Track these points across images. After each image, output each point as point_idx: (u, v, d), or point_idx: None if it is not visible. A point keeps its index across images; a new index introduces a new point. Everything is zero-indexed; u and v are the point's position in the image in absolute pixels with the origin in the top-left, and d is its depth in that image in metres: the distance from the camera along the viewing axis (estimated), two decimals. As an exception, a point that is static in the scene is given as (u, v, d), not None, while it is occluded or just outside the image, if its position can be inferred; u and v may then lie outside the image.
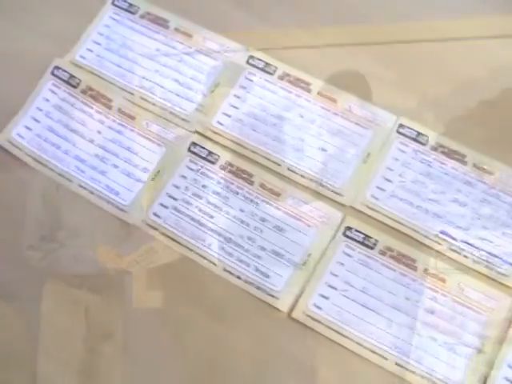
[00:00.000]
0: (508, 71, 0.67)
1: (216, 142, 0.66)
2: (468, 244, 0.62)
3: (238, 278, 0.61)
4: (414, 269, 0.61)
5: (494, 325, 0.60)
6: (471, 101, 0.66)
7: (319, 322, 0.60)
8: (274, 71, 0.68)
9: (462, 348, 0.59)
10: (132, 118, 0.67)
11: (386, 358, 0.59)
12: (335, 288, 0.61)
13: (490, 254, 0.62)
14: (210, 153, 0.65)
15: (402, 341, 0.59)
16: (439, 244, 0.62)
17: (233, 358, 0.59)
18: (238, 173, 0.65)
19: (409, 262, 0.62)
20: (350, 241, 0.62)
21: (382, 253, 0.62)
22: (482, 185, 0.64)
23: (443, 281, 0.61)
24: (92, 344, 0.60)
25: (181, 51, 0.69)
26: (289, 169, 0.65)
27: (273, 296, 0.61)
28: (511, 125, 0.65)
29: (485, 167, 0.64)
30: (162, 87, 0.68)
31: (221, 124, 0.67)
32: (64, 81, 0.69)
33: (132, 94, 0.68)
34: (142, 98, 0.67)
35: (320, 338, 0.60)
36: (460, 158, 0.65)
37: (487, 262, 0.61)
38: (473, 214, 0.63)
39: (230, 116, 0.67)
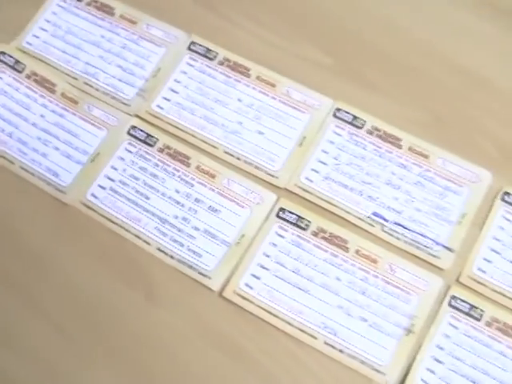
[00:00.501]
0: (447, 59, 0.68)
1: (155, 126, 0.67)
2: (400, 226, 0.62)
3: (172, 257, 0.62)
4: (346, 250, 0.62)
5: (424, 306, 0.60)
6: (408, 85, 0.67)
7: (250, 301, 0.60)
8: (215, 57, 0.69)
9: (391, 328, 0.59)
10: (75, 102, 0.68)
11: (315, 337, 0.59)
12: (267, 268, 0.61)
13: (422, 235, 0.62)
14: (149, 136, 0.66)
15: (332, 320, 0.60)
16: (372, 226, 0.62)
17: (166, 335, 0.59)
18: (175, 155, 0.65)
19: (341, 243, 0.62)
20: (283, 222, 0.63)
21: (315, 234, 0.62)
22: (417, 168, 0.64)
23: (375, 262, 0.61)
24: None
25: (125, 38, 0.70)
26: (225, 151, 0.65)
27: (205, 275, 0.61)
28: (448, 109, 0.66)
29: (420, 151, 0.65)
30: (105, 73, 0.69)
31: (161, 108, 0.67)
32: (9, 66, 0.70)
33: (76, 79, 0.69)
34: (85, 83, 0.68)
35: (250, 317, 0.60)
36: (395, 142, 0.65)
37: (419, 243, 0.62)
38: (406, 196, 0.63)
39: (169, 100, 0.68)
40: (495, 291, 0.61)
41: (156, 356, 0.59)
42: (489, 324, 0.60)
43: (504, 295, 0.61)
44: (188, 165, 0.65)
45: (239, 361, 0.59)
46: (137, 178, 0.65)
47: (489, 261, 0.62)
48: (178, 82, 0.69)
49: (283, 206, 0.63)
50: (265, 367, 0.59)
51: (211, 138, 0.66)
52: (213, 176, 0.65)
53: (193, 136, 0.66)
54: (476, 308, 0.61)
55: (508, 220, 0.63)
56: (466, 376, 0.58)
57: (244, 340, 0.59)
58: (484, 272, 0.61)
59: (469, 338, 0.60)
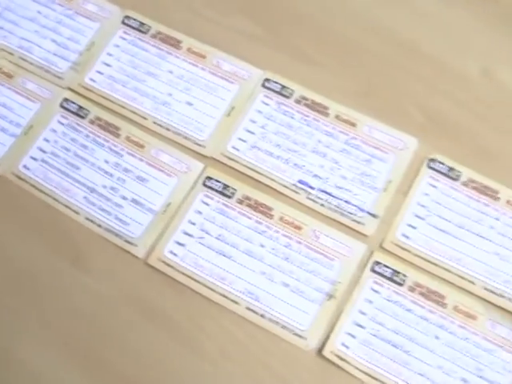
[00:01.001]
0: (376, 28, 0.68)
1: (87, 98, 0.68)
2: (325, 193, 0.63)
3: (99, 226, 0.62)
4: (270, 217, 0.62)
5: (347, 271, 0.60)
6: (338, 55, 0.67)
7: (174, 267, 0.61)
8: (148, 30, 0.70)
9: (313, 293, 0.60)
10: (10, 76, 0.69)
11: (237, 303, 0.59)
12: (191, 235, 0.62)
13: (347, 202, 0.62)
14: (81, 108, 0.67)
15: (254, 286, 0.60)
16: (297, 193, 0.63)
17: (92, 302, 0.60)
18: (105, 126, 0.66)
19: (265, 211, 0.62)
20: (209, 190, 0.63)
21: (240, 202, 0.63)
22: (344, 136, 0.65)
23: (299, 228, 0.62)
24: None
25: (61, 13, 0.71)
26: (155, 122, 0.66)
27: (131, 243, 0.62)
28: (377, 78, 0.66)
29: (347, 119, 0.65)
30: (40, 47, 0.70)
31: (93, 81, 0.68)
32: None
33: (12, 54, 0.69)
34: (20, 58, 0.69)
35: (175, 283, 0.60)
36: (322, 110, 0.65)
37: (344, 210, 0.62)
38: (332, 164, 0.64)
39: (102, 73, 0.68)
40: (418, 257, 0.61)
41: (82, 322, 0.60)
42: (411, 289, 0.60)
43: (427, 260, 0.61)
44: (118, 136, 0.66)
45: (163, 327, 0.59)
46: (68, 150, 0.66)
47: (413, 227, 0.62)
48: (111, 55, 0.69)
49: (209, 175, 0.64)
50: (188, 333, 0.59)
51: (141, 109, 0.66)
52: (142, 146, 0.65)
53: (123, 108, 0.67)
54: (398, 273, 0.61)
55: (433, 186, 0.63)
56: (387, 340, 0.59)
57: (168, 306, 0.60)
58: (408, 238, 0.62)
59: (391, 302, 0.60)
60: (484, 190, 0.63)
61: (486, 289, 0.60)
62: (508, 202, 0.63)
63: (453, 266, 0.61)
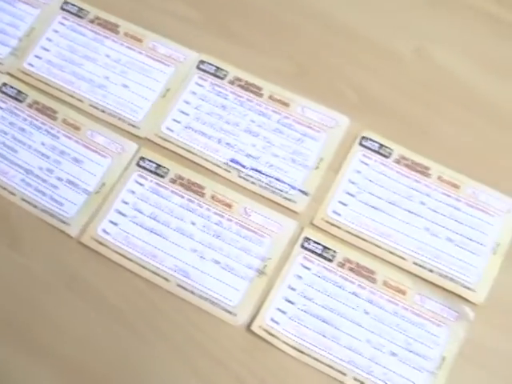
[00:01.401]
0: (307, 8, 0.69)
1: (26, 83, 0.68)
2: (257, 171, 0.63)
3: (35, 206, 0.63)
4: (202, 195, 0.63)
5: (277, 248, 0.61)
6: (272, 36, 0.68)
7: (106, 246, 0.61)
8: (86, 15, 0.70)
9: (243, 270, 0.60)
10: None
11: (167, 280, 0.60)
12: (125, 215, 0.62)
13: (278, 180, 0.63)
14: (19, 92, 0.68)
15: (185, 263, 0.60)
16: (228, 172, 0.63)
17: (28, 282, 0.61)
18: (43, 110, 0.67)
19: (197, 189, 0.63)
20: (142, 170, 0.64)
21: (173, 181, 0.63)
22: (276, 115, 0.65)
23: (229, 206, 0.62)
24: None
25: None
26: (91, 105, 0.66)
27: (64, 222, 0.62)
28: (310, 58, 0.67)
29: (280, 99, 0.66)
30: None
31: (32, 66, 0.69)
32: None
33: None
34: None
35: (107, 261, 0.61)
36: (256, 91, 0.66)
37: (275, 188, 0.63)
38: (264, 143, 0.64)
39: (41, 58, 0.69)
40: (349, 233, 0.61)
41: (17, 301, 0.61)
42: (341, 265, 0.61)
43: (358, 237, 0.61)
44: (54, 118, 0.66)
45: (96, 305, 0.60)
46: (6, 133, 0.66)
47: (344, 204, 0.62)
48: (50, 40, 0.70)
49: (143, 155, 0.64)
50: (120, 311, 0.59)
51: (78, 92, 0.67)
52: (78, 128, 0.66)
53: (61, 91, 0.67)
54: (328, 249, 0.61)
55: (364, 164, 0.64)
56: (317, 315, 0.59)
57: (101, 284, 0.60)
58: (339, 215, 0.62)
59: (321, 278, 0.60)
60: (415, 167, 0.64)
61: (415, 263, 0.60)
62: (439, 178, 0.64)
63: (383, 242, 0.61)
